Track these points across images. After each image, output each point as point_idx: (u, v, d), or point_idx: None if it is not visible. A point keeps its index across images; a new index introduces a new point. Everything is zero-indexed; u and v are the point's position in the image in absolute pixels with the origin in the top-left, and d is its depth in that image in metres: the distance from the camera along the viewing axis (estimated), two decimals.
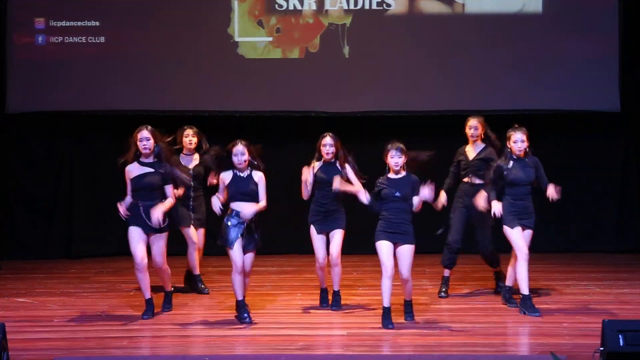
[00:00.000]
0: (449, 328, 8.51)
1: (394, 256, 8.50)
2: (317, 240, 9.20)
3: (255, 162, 8.76)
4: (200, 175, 9.83)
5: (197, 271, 9.94)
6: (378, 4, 11.81)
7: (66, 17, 11.83)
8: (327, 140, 9.15)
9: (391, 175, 8.60)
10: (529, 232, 8.98)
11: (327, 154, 9.14)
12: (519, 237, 8.91)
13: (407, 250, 8.51)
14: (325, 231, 9.18)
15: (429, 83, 11.82)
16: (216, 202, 8.67)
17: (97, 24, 11.80)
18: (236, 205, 8.66)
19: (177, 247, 9.95)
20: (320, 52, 11.86)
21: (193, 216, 9.80)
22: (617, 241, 12.19)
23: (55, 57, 11.81)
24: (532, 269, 10.90)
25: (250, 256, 8.76)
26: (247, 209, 8.62)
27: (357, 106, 11.70)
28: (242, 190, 8.67)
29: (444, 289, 9.70)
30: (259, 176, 8.74)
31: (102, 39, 11.81)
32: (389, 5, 11.82)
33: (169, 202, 8.80)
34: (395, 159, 8.57)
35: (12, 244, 12.10)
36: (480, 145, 9.67)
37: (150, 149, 8.81)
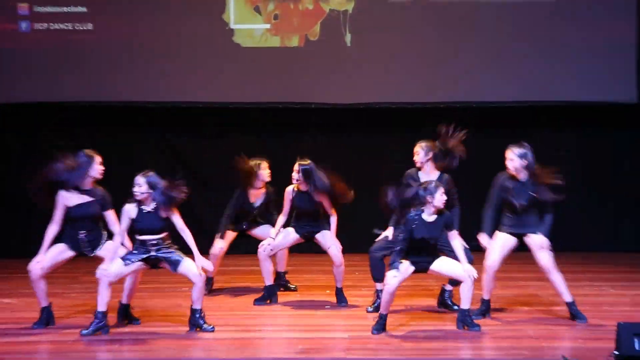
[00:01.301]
0: (454, 332, 8.57)
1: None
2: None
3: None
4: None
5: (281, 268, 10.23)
6: None
7: (51, 2, 11.85)
8: (295, 166, 9.42)
9: (424, 216, 8.46)
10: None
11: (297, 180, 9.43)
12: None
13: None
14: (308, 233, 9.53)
15: (437, 73, 11.83)
16: None
17: (85, 9, 11.84)
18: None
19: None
20: (320, 41, 11.89)
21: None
22: (635, 240, 12.23)
23: (40, 45, 11.85)
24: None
25: None
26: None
27: (360, 97, 11.74)
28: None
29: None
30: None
31: (90, 26, 11.84)
32: None
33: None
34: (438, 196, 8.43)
35: None
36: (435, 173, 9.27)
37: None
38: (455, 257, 8.53)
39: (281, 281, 10.20)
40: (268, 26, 11.89)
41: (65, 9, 11.87)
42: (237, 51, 11.88)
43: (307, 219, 9.52)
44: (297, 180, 9.39)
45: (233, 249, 11.92)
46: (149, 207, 8.49)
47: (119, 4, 11.85)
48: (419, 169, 9.21)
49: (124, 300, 8.88)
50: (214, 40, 11.86)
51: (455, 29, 11.82)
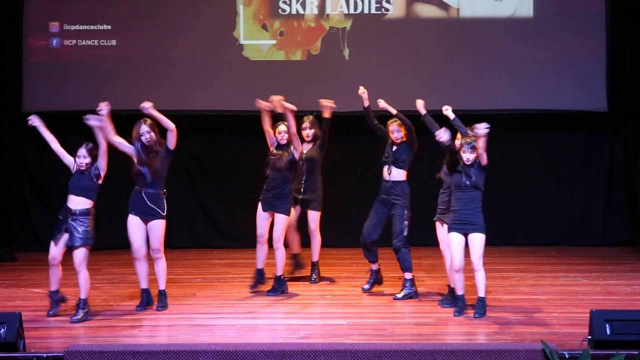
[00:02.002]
0: (444, 318, 8.51)
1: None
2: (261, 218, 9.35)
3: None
4: (312, 159, 9.83)
5: (295, 251, 10.05)
6: (377, 8, 11.81)
7: (79, 21, 11.84)
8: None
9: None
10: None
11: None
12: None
13: (478, 239, 8.40)
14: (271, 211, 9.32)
15: (424, 84, 11.79)
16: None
17: (109, 27, 11.82)
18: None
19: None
20: (321, 55, 11.87)
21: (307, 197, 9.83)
22: (605, 235, 12.17)
23: (68, 59, 11.83)
24: (524, 261, 11.06)
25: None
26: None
27: (357, 106, 11.59)
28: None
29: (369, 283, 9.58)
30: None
31: (114, 42, 11.82)
32: (387, 9, 11.81)
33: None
34: (467, 154, 8.43)
35: (27, 237, 12.10)
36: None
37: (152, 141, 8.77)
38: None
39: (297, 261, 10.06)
40: (274, 42, 11.87)
41: (91, 27, 11.86)
42: (246, 64, 11.87)
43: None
44: None
45: (234, 243, 11.89)
46: None
47: (140, 22, 11.84)
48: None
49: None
50: (226, 54, 11.84)
51: (442, 44, 11.78)
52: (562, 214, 12.15)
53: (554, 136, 12.18)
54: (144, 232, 8.76)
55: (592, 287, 9.76)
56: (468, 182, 8.44)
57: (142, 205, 8.72)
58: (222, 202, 12.07)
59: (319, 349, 7.33)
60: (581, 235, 12.14)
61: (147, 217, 8.73)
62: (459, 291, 8.56)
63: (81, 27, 11.83)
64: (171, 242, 11.93)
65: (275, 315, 8.73)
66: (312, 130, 9.86)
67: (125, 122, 11.80)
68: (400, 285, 9.29)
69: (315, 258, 10.00)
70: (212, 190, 12.15)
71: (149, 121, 8.79)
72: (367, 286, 9.53)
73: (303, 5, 11.83)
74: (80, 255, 8.48)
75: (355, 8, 11.81)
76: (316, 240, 9.91)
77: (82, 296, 8.51)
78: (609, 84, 11.75)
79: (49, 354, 7.28)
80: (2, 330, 7.29)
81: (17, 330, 7.37)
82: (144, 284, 8.87)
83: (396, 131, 9.31)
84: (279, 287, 9.35)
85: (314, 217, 9.87)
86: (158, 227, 8.74)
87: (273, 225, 9.36)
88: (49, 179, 12.24)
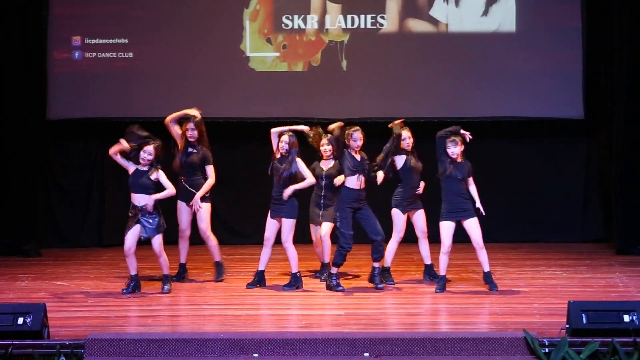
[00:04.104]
0: (432, 309, 8.51)
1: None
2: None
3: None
4: (332, 176, 9.53)
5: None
6: (372, 23, 11.79)
7: (99, 36, 11.80)
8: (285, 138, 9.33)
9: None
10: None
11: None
12: None
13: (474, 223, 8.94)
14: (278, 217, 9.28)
15: (416, 93, 11.79)
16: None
17: (126, 41, 11.77)
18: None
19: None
20: (321, 66, 11.83)
21: (322, 213, 9.64)
22: (582, 232, 12.13)
23: (89, 70, 11.79)
24: (507, 257, 11.05)
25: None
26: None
27: (354, 113, 11.66)
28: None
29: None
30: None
31: (131, 54, 11.78)
32: (382, 25, 11.80)
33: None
34: (451, 149, 8.88)
35: (51, 234, 12.08)
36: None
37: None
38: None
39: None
40: (278, 54, 11.83)
41: (110, 41, 11.81)
42: (252, 75, 11.84)
43: None
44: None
45: (242, 239, 11.86)
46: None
47: (154, 37, 11.78)
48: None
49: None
50: (233, 66, 11.81)
51: (432, 56, 11.75)
52: (543, 213, 12.12)
53: (536, 141, 12.12)
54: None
55: (570, 280, 9.75)
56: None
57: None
58: (230, 202, 12.03)
59: (319, 337, 7.34)
60: (560, 233, 12.08)
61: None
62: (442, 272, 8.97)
63: (101, 41, 11.78)
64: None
65: (278, 307, 8.72)
66: (330, 147, 9.57)
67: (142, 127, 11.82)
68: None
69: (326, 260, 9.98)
70: (220, 191, 12.11)
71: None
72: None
73: (304, 20, 11.83)
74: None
75: (353, 23, 11.80)
76: (326, 244, 9.74)
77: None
78: (586, 94, 11.72)
79: (72, 341, 7.30)
80: (29, 319, 7.31)
81: (42, 319, 7.39)
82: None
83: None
84: (295, 283, 9.32)
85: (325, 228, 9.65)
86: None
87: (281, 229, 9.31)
88: (72, 182, 12.23)
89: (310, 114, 11.82)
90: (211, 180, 9.67)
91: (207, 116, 11.69)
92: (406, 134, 9.59)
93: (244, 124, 11.80)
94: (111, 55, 11.82)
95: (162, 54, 11.79)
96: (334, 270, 9.24)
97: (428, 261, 9.69)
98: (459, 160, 9.07)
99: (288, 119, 11.76)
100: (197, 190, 9.58)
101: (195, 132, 9.67)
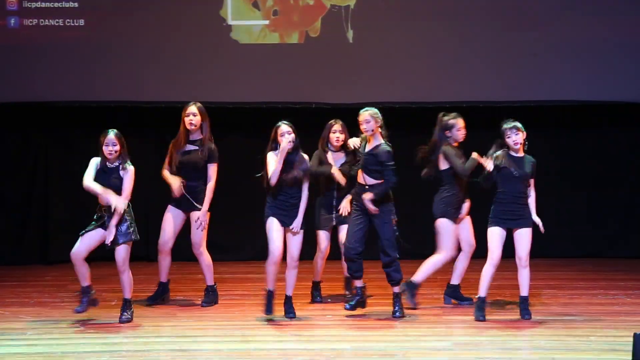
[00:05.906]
0: (461, 342, 8.49)
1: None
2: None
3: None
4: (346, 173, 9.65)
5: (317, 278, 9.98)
6: None
7: None
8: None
9: (512, 153, 9.04)
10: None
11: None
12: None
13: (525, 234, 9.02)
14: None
15: (441, 72, 11.80)
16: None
17: (76, 5, 11.78)
18: None
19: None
20: (321, 37, 11.84)
21: (335, 215, 9.72)
22: None
23: (29, 42, 11.78)
24: (556, 277, 11.04)
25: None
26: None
27: (363, 97, 11.64)
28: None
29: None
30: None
31: (82, 22, 11.79)
32: None
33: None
34: (512, 137, 8.96)
35: None
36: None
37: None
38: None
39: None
40: (267, 22, 11.86)
41: (55, 4, 11.85)
42: (235, 48, 11.84)
43: None
44: None
45: (234, 255, 11.89)
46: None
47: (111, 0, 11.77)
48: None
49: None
50: (211, 37, 11.82)
51: (463, 26, 11.74)
52: (600, 221, 12.15)
53: (587, 132, 12.32)
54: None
55: (634, 307, 9.73)
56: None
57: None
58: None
59: None
60: (622, 246, 12.15)
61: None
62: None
63: (43, 5, 11.79)
64: (148, 255, 11.90)
65: (268, 339, 8.66)
66: (343, 135, 9.62)
67: (95, 114, 11.82)
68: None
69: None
70: None
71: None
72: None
73: None
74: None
75: None
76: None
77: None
78: None
79: None
80: None
81: None
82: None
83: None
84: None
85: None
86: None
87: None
88: (7, 184, 12.24)
89: (308, 97, 11.85)
90: (212, 183, 9.59)
91: (178, 100, 11.71)
92: (460, 123, 9.50)
93: (224, 109, 11.77)
94: (56, 22, 11.81)
95: (120, 21, 11.78)
96: (397, 289, 9.30)
97: (457, 280, 9.65)
98: (520, 153, 9.02)
99: (279, 103, 11.79)
100: (198, 199, 9.50)
101: (198, 118, 9.51)
